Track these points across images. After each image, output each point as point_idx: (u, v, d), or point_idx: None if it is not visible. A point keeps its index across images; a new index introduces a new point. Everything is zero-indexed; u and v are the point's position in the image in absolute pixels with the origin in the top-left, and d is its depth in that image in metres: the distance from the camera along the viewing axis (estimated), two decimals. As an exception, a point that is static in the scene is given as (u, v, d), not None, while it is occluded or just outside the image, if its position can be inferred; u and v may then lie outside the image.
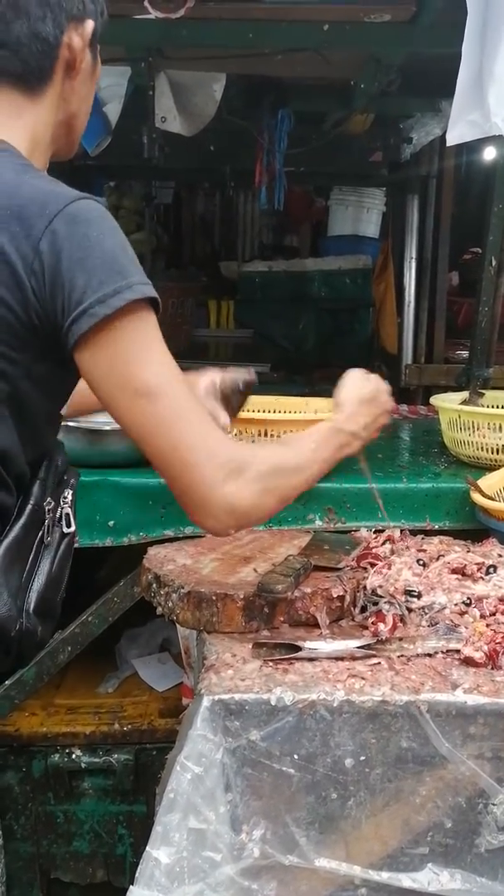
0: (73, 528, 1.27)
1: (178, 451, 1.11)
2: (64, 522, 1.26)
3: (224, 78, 3.05)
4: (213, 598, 1.39)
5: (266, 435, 1.90)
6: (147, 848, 1.17)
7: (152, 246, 5.48)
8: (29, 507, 1.20)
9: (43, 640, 1.25)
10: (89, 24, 1.24)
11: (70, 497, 1.27)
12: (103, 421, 1.79)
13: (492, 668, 1.29)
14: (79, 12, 1.22)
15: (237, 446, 1.18)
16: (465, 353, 3.87)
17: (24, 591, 1.19)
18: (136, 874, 1.16)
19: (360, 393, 1.44)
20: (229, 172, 4.69)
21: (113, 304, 1.06)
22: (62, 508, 1.26)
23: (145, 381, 1.09)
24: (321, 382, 4.37)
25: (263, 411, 2.21)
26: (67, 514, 1.26)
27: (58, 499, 1.25)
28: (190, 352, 4.77)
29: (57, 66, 1.23)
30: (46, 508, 1.22)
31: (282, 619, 1.40)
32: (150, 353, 1.11)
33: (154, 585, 1.49)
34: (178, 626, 1.64)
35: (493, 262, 3.18)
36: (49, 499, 1.22)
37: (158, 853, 1.16)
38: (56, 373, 1.15)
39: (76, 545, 1.30)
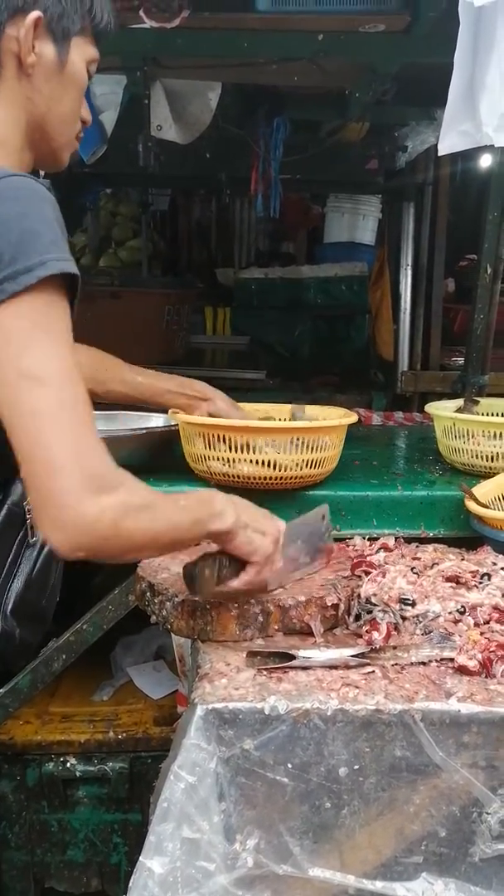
0: None
1: (47, 448, 1.03)
2: None
3: (219, 86, 3.06)
4: (208, 606, 1.38)
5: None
6: (140, 858, 1.16)
7: (149, 253, 5.49)
8: (6, 506, 1.17)
9: (25, 642, 1.22)
10: (33, 15, 1.19)
11: None
12: (99, 428, 1.78)
13: (486, 677, 1.29)
14: (25, 4, 1.19)
15: (111, 464, 1.09)
16: (460, 360, 3.89)
17: (1, 592, 1.17)
18: (130, 884, 1.16)
19: (253, 506, 1.37)
20: (225, 180, 4.70)
21: (23, 281, 1.02)
22: None
23: (34, 364, 1.03)
24: (317, 389, 4.39)
25: (259, 419, 2.21)
26: None
27: None
28: (186, 358, 4.78)
29: (3, 58, 1.20)
30: (27, 508, 1.17)
31: (276, 627, 1.40)
32: (48, 341, 1.04)
33: (148, 594, 1.48)
34: (172, 634, 1.64)
35: (489, 270, 3.21)
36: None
37: (152, 863, 1.15)
38: None
39: None
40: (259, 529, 1.32)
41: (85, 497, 1.03)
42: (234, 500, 1.32)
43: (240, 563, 1.34)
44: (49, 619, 1.35)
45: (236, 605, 1.38)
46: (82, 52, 1.27)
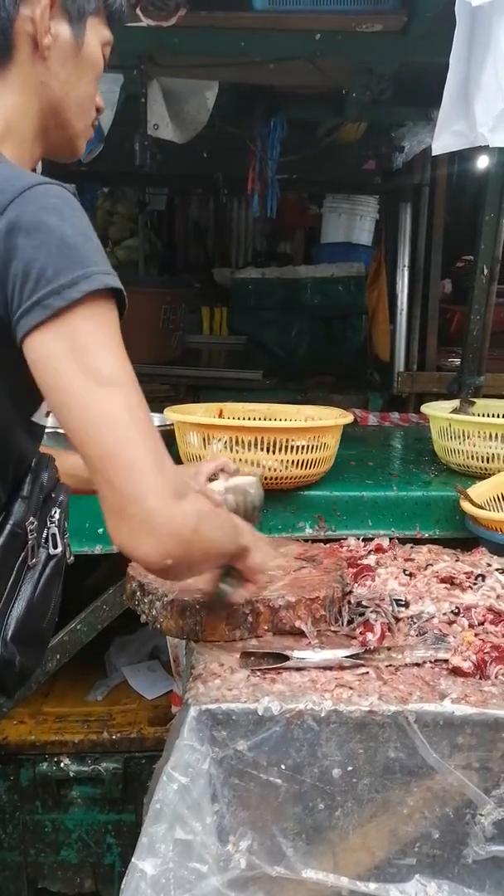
0: (59, 550, 1.18)
1: (127, 451, 0.98)
2: (50, 543, 1.17)
3: (216, 86, 3.06)
4: (197, 606, 1.38)
5: (260, 443, 1.90)
6: (133, 859, 1.16)
7: (145, 252, 5.49)
8: (8, 526, 1.12)
9: (25, 669, 1.17)
10: None
11: (58, 516, 1.18)
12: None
13: (480, 678, 1.28)
14: None
15: (180, 471, 1.08)
16: (457, 361, 3.89)
17: (1, 618, 1.11)
18: (122, 886, 1.15)
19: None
20: (222, 179, 4.71)
21: (68, 297, 0.97)
22: (49, 529, 1.17)
23: (103, 370, 0.98)
24: (314, 389, 4.39)
25: (256, 419, 2.21)
26: (54, 535, 1.17)
27: (43, 518, 1.17)
28: (183, 358, 4.78)
29: (17, 40, 1.12)
30: (29, 528, 1.13)
31: (266, 627, 1.40)
32: (109, 348, 1.00)
33: (138, 593, 1.48)
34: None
35: (486, 271, 3.20)
36: (32, 518, 1.14)
37: (144, 864, 1.15)
38: (16, 372, 1.04)
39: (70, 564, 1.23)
40: (262, 550, 1.33)
41: (170, 500, 1.00)
42: (240, 519, 1.33)
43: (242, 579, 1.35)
44: (48, 641, 1.31)
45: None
46: (98, 34, 1.20)
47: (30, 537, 1.14)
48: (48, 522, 1.18)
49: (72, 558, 1.24)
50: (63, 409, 1.00)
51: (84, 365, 0.98)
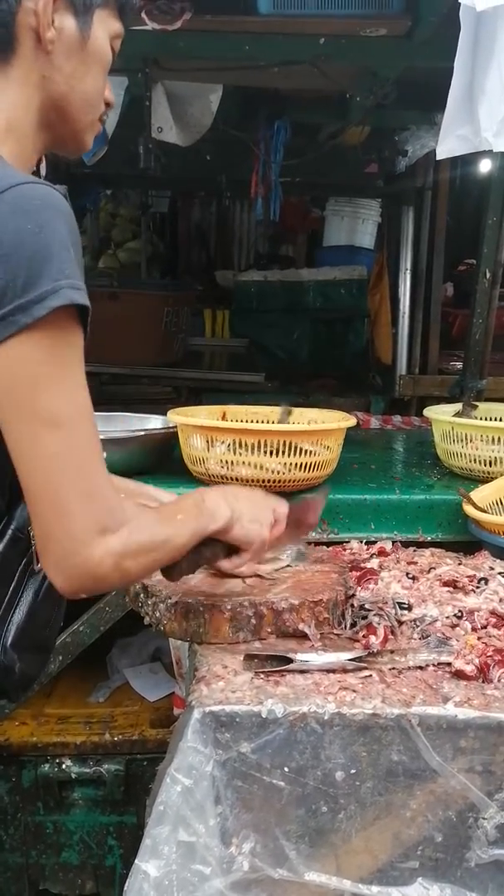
0: None
1: (56, 492, 1.00)
2: None
3: (220, 89, 3.07)
4: (201, 608, 1.38)
5: (264, 446, 1.90)
6: (136, 861, 1.16)
7: (148, 255, 5.50)
8: (9, 532, 1.12)
9: (26, 676, 1.17)
10: None
11: None
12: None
13: (483, 682, 1.29)
14: None
15: (119, 502, 1.07)
16: (459, 365, 3.89)
17: (1, 624, 1.11)
18: (125, 887, 1.16)
19: (248, 492, 1.38)
20: (225, 182, 4.71)
21: (34, 313, 0.95)
22: None
23: (48, 405, 0.98)
24: (316, 392, 4.39)
25: (259, 421, 2.21)
26: None
27: None
28: (185, 361, 4.78)
29: (19, 33, 1.10)
30: (31, 534, 1.12)
31: (269, 630, 1.40)
32: (63, 380, 0.99)
33: (142, 595, 1.48)
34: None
35: (488, 275, 3.21)
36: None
37: (147, 866, 1.15)
38: None
39: None
40: (255, 519, 1.32)
41: (89, 540, 1.01)
42: (226, 492, 1.32)
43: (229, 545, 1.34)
44: (52, 648, 1.30)
45: (229, 607, 1.38)
46: (106, 27, 1.17)
47: (33, 542, 1.13)
48: None
49: None
50: (6, 428, 1.01)
51: (36, 399, 0.98)
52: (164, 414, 2.16)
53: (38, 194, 1.00)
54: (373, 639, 1.37)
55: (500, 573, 1.63)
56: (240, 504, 1.31)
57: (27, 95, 1.13)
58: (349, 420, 2.07)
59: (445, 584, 1.58)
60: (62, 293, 0.96)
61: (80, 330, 1.01)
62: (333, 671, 1.29)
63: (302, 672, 1.29)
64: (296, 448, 1.90)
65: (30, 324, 0.96)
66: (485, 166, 3.37)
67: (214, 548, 1.33)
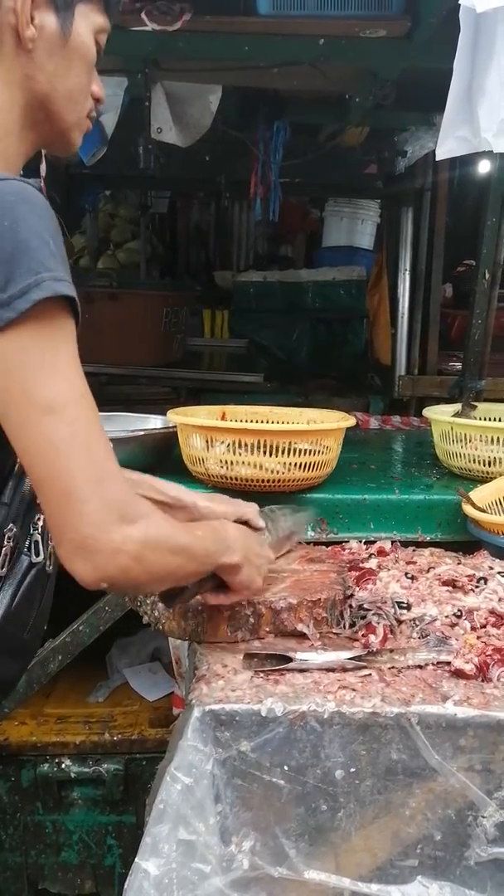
0: (41, 558, 1.16)
1: (65, 478, 0.98)
2: (33, 551, 1.15)
3: (220, 90, 3.07)
4: (199, 608, 1.38)
5: (263, 446, 1.90)
6: (136, 859, 1.16)
7: (147, 255, 5.49)
8: None
9: (2, 679, 1.15)
10: None
11: (42, 523, 1.16)
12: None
13: (482, 681, 1.29)
14: None
15: (132, 493, 1.05)
16: (458, 365, 3.90)
17: None
18: (125, 886, 1.16)
19: (255, 536, 1.40)
20: (225, 183, 4.71)
21: (18, 307, 0.95)
22: (32, 536, 1.15)
23: (46, 396, 0.97)
24: (315, 392, 4.39)
25: (258, 421, 2.21)
26: (37, 542, 1.15)
27: (27, 525, 1.15)
28: (184, 361, 4.78)
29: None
30: (7, 535, 1.12)
31: (267, 629, 1.40)
32: (56, 366, 0.98)
33: (141, 595, 1.48)
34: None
35: (487, 275, 3.22)
36: (12, 525, 1.13)
37: (147, 864, 1.15)
38: None
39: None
40: (256, 566, 1.33)
41: (107, 525, 0.99)
42: (241, 532, 1.33)
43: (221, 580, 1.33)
44: (35, 651, 1.27)
45: (228, 606, 1.38)
46: (89, 22, 1.15)
47: (6, 544, 1.12)
48: (31, 529, 1.16)
49: (51, 567, 1.20)
50: (7, 424, 1.00)
51: (26, 390, 0.97)
52: (164, 414, 2.16)
53: (11, 190, 1.00)
54: (372, 638, 1.37)
55: (499, 573, 1.64)
56: (249, 549, 1.31)
57: (10, 95, 1.12)
58: (348, 420, 2.08)
59: (445, 583, 1.58)
60: (44, 285, 0.96)
61: (71, 320, 1.01)
62: (333, 670, 1.30)
63: (301, 671, 1.29)
64: (295, 448, 1.91)
65: (15, 318, 0.95)
66: (484, 167, 3.37)
67: (214, 581, 1.31)
